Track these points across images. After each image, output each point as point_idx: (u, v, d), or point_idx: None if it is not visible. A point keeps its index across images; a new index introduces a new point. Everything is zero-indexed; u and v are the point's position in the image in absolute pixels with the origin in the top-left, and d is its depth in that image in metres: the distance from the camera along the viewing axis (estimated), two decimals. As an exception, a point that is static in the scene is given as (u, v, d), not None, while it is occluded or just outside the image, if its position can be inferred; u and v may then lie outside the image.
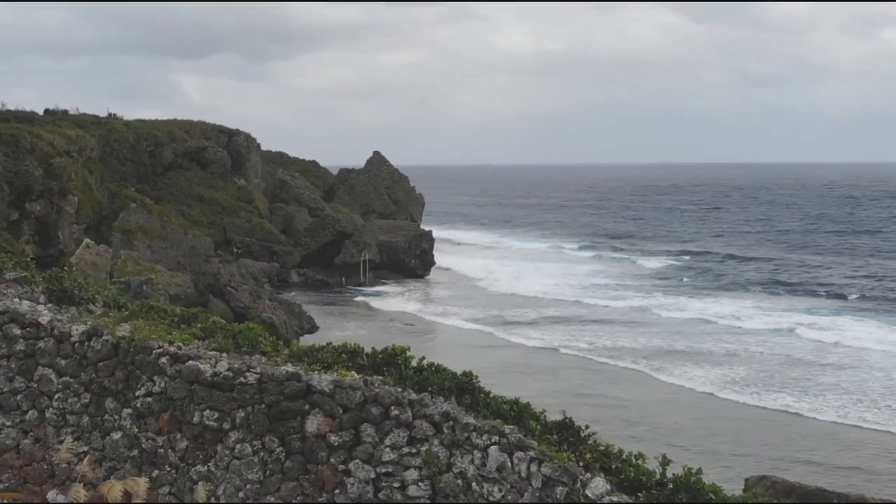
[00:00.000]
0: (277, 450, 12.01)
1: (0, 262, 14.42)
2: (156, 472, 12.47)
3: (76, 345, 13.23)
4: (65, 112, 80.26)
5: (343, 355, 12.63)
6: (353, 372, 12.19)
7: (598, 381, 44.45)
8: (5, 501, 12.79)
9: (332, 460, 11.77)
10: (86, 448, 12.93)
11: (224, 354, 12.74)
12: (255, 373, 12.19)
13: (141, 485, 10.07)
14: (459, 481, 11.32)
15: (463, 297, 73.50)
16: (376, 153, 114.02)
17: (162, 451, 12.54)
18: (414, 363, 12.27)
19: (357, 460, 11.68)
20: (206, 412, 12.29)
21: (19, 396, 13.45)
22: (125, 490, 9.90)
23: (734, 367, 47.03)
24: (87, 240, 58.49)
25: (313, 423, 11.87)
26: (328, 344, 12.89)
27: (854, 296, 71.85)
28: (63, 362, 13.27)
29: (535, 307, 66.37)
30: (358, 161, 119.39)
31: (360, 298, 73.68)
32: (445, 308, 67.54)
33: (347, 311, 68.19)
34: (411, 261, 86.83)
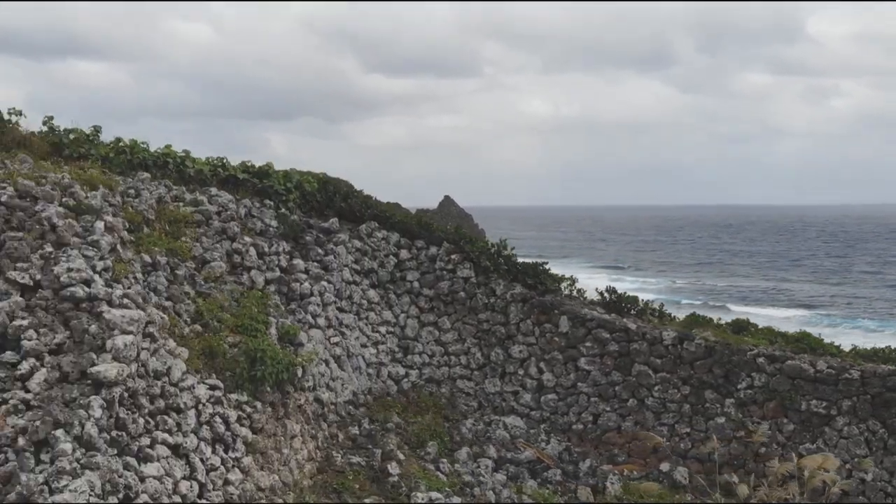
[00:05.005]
0: (880, 431, 12.40)
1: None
2: (762, 449, 12.87)
3: (669, 347, 13.64)
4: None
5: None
6: (927, 370, 12.58)
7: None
8: (634, 470, 13.14)
9: (937, 440, 12.14)
10: (688, 429, 13.32)
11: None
12: (858, 370, 12.60)
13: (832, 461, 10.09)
14: None
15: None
16: (447, 197, 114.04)
17: (770, 432, 12.94)
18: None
19: (961, 440, 12.06)
20: (813, 402, 12.70)
21: (617, 387, 13.84)
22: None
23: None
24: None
25: (916, 410, 12.26)
26: (892, 348, 13.28)
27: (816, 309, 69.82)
28: (658, 361, 13.67)
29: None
30: (417, 202, 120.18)
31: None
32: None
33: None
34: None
